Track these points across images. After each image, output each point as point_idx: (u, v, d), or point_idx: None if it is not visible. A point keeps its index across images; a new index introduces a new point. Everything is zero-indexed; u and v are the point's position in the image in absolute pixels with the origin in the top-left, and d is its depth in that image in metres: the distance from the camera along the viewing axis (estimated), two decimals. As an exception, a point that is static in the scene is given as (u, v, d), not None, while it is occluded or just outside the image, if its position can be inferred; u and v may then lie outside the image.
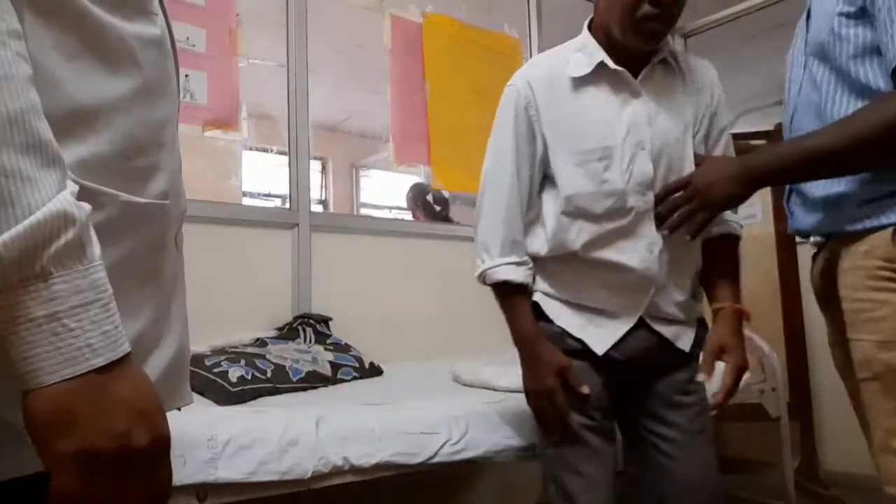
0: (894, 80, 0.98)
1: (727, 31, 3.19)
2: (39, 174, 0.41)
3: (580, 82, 1.22)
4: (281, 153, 2.27)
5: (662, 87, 1.22)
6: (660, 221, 1.18)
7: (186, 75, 1.95)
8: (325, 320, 1.99)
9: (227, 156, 2.25)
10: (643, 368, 1.24)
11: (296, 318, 1.96)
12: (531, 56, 2.85)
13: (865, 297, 1.04)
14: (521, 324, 1.25)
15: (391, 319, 2.24)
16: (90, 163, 0.50)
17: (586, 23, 1.28)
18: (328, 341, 1.89)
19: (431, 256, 2.43)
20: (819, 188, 1.12)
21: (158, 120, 0.58)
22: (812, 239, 1.24)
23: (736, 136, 1.44)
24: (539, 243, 1.27)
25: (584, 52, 1.23)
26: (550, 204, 1.25)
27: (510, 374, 1.61)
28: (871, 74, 1.03)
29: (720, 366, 1.23)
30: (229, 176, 2.32)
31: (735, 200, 1.15)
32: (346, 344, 1.90)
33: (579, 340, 1.23)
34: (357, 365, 1.79)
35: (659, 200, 1.18)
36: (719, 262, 1.29)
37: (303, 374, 1.62)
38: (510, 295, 1.26)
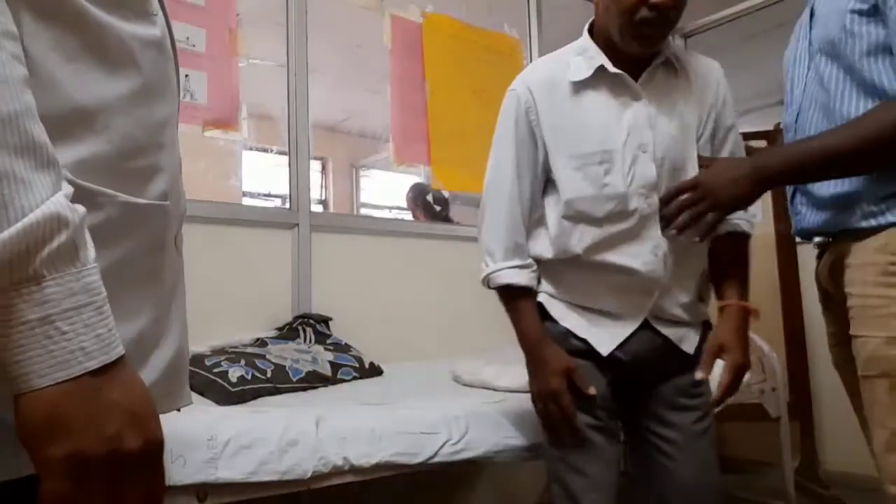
0: None
1: (727, 31, 3.19)
2: (33, 176, 0.41)
3: (580, 86, 1.22)
4: (281, 153, 2.27)
5: (664, 90, 1.21)
6: (667, 223, 1.17)
7: (186, 75, 1.95)
8: (325, 320, 1.99)
9: (227, 156, 2.25)
10: (647, 370, 1.24)
11: (296, 318, 1.96)
12: (531, 56, 2.85)
13: (876, 293, 1.04)
14: (525, 326, 1.25)
15: (391, 319, 2.24)
16: (89, 163, 0.50)
17: (587, 26, 1.27)
18: (328, 341, 1.89)
19: (431, 256, 2.43)
20: (828, 187, 1.11)
21: (158, 120, 0.57)
22: (815, 239, 1.24)
23: (736, 136, 1.44)
24: (543, 246, 1.27)
25: (585, 55, 1.23)
26: (552, 208, 1.25)
27: (510, 374, 1.61)
28: (883, 73, 1.02)
29: (721, 364, 1.23)
30: (229, 176, 2.32)
31: (744, 201, 1.14)
32: (346, 344, 1.90)
33: (584, 340, 1.23)
34: (357, 365, 1.80)
35: (666, 202, 1.17)
36: (727, 259, 1.28)
37: (303, 374, 1.63)
38: (514, 298, 1.27)
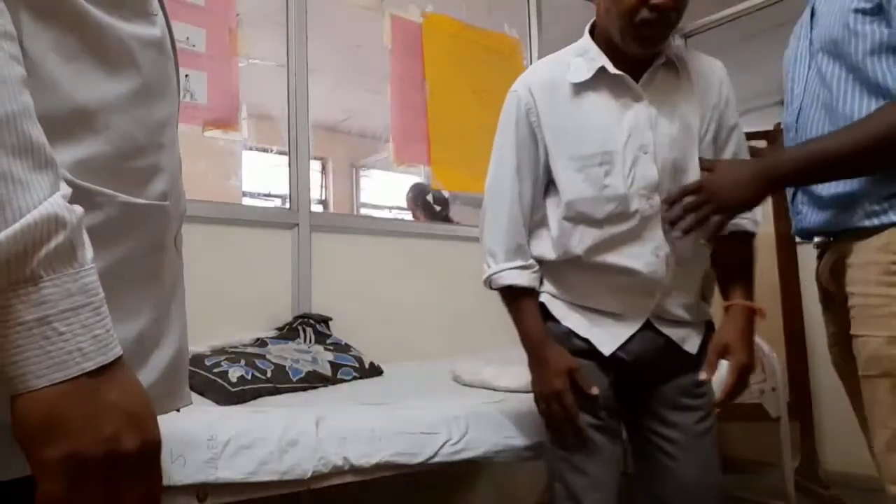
0: None
1: (727, 31, 3.19)
2: (31, 177, 0.41)
3: (580, 88, 1.22)
4: (281, 153, 2.27)
5: (665, 90, 1.21)
6: (671, 225, 1.16)
7: (186, 75, 1.95)
8: (325, 320, 1.99)
9: (227, 156, 2.25)
10: (649, 370, 1.24)
11: (296, 318, 1.96)
12: (531, 56, 2.85)
13: (877, 292, 1.04)
14: (528, 326, 1.25)
15: (391, 319, 2.24)
16: (89, 163, 0.50)
17: (588, 27, 1.27)
18: (328, 341, 1.89)
19: (431, 256, 2.43)
20: (830, 186, 1.11)
21: (158, 120, 0.57)
22: (816, 239, 1.24)
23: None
24: (545, 247, 1.27)
25: (585, 56, 1.23)
26: (553, 209, 1.26)
27: (510, 374, 1.61)
28: (887, 72, 1.02)
29: (725, 364, 1.22)
30: (229, 176, 2.32)
31: (750, 204, 1.14)
32: (346, 344, 1.90)
33: (586, 340, 1.23)
34: (357, 365, 1.79)
35: (670, 205, 1.16)
36: (732, 259, 1.28)
37: (303, 374, 1.62)
38: (516, 298, 1.27)
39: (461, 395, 1.56)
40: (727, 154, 1.27)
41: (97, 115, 0.51)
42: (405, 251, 2.38)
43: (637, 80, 1.19)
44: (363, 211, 5.47)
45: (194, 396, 1.19)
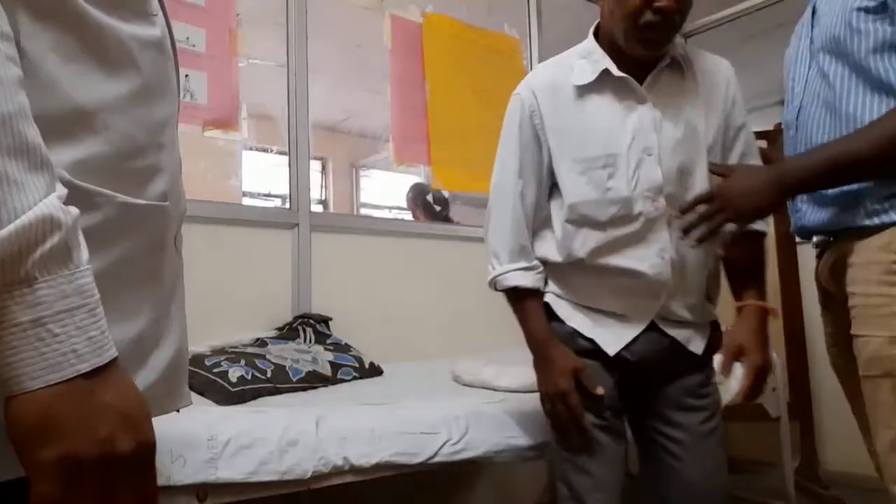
0: None
1: (727, 31, 3.19)
2: (26, 178, 0.41)
3: (584, 90, 1.21)
4: (281, 153, 2.27)
5: (670, 92, 1.20)
6: (686, 233, 1.15)
7: (186, 75, 1.95)
8: (325, 320, 1.99)
9: (227, 156, 2.25)
10: (655, 370, 1.23)
11: (296, 318, 1.96)
12: (531, 56, 2.85)
13: (878, 292, 1.04)
14: (533, 326, 1.25)
15: (391, 319, 2.24)
16: (88, 163, 0.50)
17: (592, 28, 1.27)
18: (328, 341, 1.89)
19: (431, 256, 2.43)
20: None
21: (158, 121, 0.57)
22: (815, 238, 1.24)
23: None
24: (550, 248, 1.27)
25: (589, 58, 1.22)
26: (556, 212, 1.26)
27: (510, 374, 1.61)
28: (891, 70, 1.02)
29: (737, 366, 1.21)
30: (229, 176, 2.32)
31: (765, 211, 1.13)
32: (346, 344, 1.90)
33: (590, 340, 1.23)
34: (357, 365, 1.79)
35: (683, 212, 1.15)
36: (743, 259, 1.27)
37: (303, 374, 1.62)
38: (521, 299, 1.27)
39: (461, 395, 1.56)
40: (735, 154, 1.26)
41: (96, 116, 0.51)
42: (405, 251, 2.38)
43: (641, 81, 1.19)
44: (363, 211, 5.46)
45: (194, 396, 1.18)
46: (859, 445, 1.22)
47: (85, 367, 0.41)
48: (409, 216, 3.59)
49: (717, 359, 1.28)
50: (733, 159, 1.26)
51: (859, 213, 1.07)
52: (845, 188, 1.09)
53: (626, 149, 1.17)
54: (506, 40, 2.81)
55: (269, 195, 4.12)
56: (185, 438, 1.07)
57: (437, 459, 1.29)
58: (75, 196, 0.47)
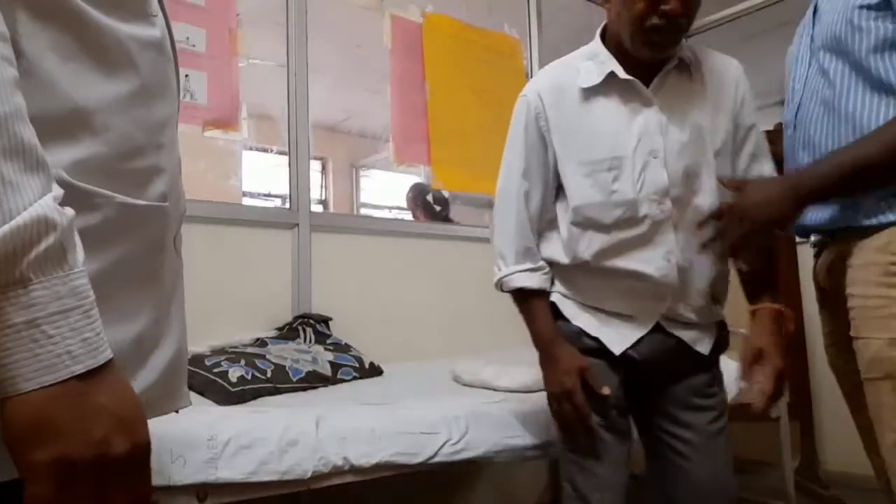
0: None
1: (727, 31, 3.19)
2: (21, 179, 0.40)
3: (590, 92, 1.21)
4: (281, 153, 2.27)
5: (677, 94, 1.20)
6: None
7: (186, 75, 1.95)
8: (325, 320, 1.99)
9: (227, 156, 2.25)
10: (661, 370, 1.23)
11: (296, 318, 1.96)
12: (531, 56, 2.85)
13: (877, 293, 1.03)
14: (539, 326, 1.25)
15: (391, 319, 2.24)
16: (87, 164, 0.50)
17: (599, 30, 1.26)
18: (328, 341, 1.89)
19: (431, 256, 2.44)
20: None
21: (157, 121, 0.57)
22: (812, 238, 1.24)
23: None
24: (556, 249, 1.27)
25: (595, 60, 1.22)
26: (562, 214, 1.26)
27: (510, 374, 1.61)
28: (891, 69, 1.02)
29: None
30: (229, 176, 2.32)
31: (782, 221, 1.12)
32: (346, 344, 1.90)
33: (596, 339, 1.23)
34: (357, 365, 1.79)
35: (700, 227, 1.15)
36: (756, 262, 1.25)
37: (303, 374, 1.62)
38: (527, 300, 1.27)
39: (461, 395, 1.56)
40: (745, 154, 1.24)
41: (95, 116, 0.50)
42: (405, 251, 2.38)
43: (648, 84, 1.18)
44: (363, 211, 5.47)
45: (194, 396, 1.18)
46: (859, 445, 1.22)
47: (79, 369, 0.41)
48: (409, 216, 3.59)
49: (726, 362, 1.27)
50: (743, 160, 1.24)
51: (857, 212, 1.07)
52: None
53: (631, 151, 1.17)
54: (506, 40, 2.81)
55: (269, 195, 4.12)
56: (185, 438, 1.07)
57: (437, 459, 1.29)
58: (74, 196, 0.47)
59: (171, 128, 0.61)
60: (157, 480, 1.02)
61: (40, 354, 0.40)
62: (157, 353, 0.58)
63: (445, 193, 3.05)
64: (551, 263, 1.28)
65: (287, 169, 2.17)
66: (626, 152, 1.17)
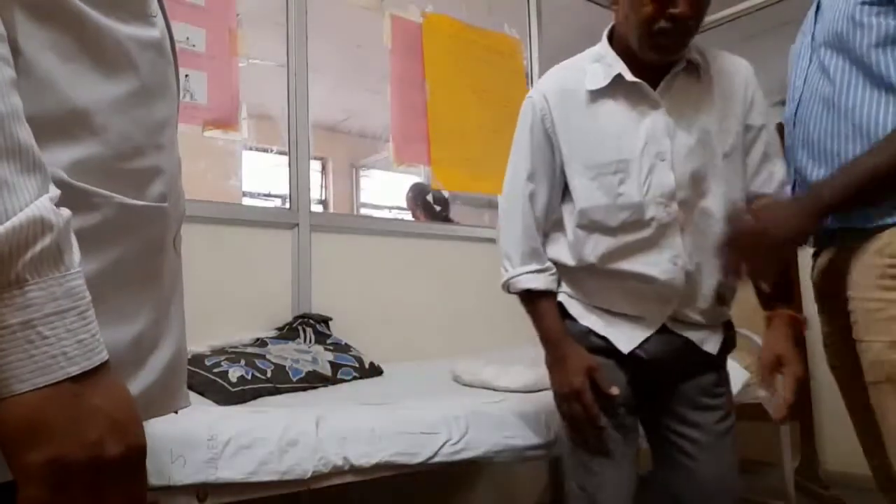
0: None
1: (727, 31, 3.19)
2: (18, 179, 0.40)
3: (597, 95, 1.20)
4: (281, 153, 2.27)
5: (684, 97, 1.19)
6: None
7: (186, 75, 1.95)
8: (325, 320, 1.99)
9: (227, 156, 2.25)
10: (668, 369, 1.23)
11: (296, 318, 1.96)
12: (531, 56, 2.84)
13: (876, 296, 1.03)
14: (547, 326, 1.25)
15: (391, 319, 2.24)
16: (86, 164, 0.50)
17: (606, 32, 1.26)
18: (328, 341, 1.89)
19: (431, 256, 2.44)
20: None
21: (157, 122, 0.57)
22: (811, 238, 1.24)
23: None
24: (562, 251, 1.27)
25: (602, 62, 1.21)
26: (568, 217, 1.26)
27: (510, 374, 1.61)
28: (892, 65, 1.02)
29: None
30: (229, 176, 2.32)
31: (800, 236, 1.11)
32: (346, 344, 1.90)
33: (604, 338, 1.23)
34: (357, 365, 1.79)
35: (721, 249, 1.15)
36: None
37: (303, 374, 1.62)
38: (534, 300, 1.27)
39: (461, 395, 1.55)
40: (755, 154, 1.23)
41: (95, 116, 0.50)
42: (405, 251, 2.38)
43: (655, 86, 1.17)
44: (363, 211, 5.47)
45: (194, 396, 1.18)
46: (859, 445, 1.22)
47: (74, 370, 0.41)
48: (409, 216, 3.59)
49: (734, 363, 1.27)
50: (753, 160, 1.23)
51: (856, 214, 1.07)
52: None
53: (638, 154, 1.16)
54: (506, 40, 2.81)
55: (269, 195, 4.12)
56: (185, 438, 1.07)
57: (437, 459, 1.29)
58: (73, 197, 0.47)
59: (171, 128, 0.61)
60: (157, 480, 1.02)
61: (35, 355, 0.40)
62: (156, 354, 0.58)
63: (445, 193, 3.05)
64: (557, 265, 1.28)
65: (287, 169, 2.17)
66: (633, 155, 1.17)
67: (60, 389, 0.41)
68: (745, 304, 1.32)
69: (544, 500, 2.41)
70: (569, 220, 1.25)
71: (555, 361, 1.23)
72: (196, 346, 1.61)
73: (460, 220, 2.99)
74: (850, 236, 1.09)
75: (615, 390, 1.17)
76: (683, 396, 1.24)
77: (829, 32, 1.11)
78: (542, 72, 2.74)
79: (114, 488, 0.43)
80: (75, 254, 0.43)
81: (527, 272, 1.26)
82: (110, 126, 0.52)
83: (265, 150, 3.33)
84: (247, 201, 3.34)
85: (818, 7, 1.19)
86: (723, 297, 1.24)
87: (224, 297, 1.90)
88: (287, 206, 2.16)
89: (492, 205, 2.94)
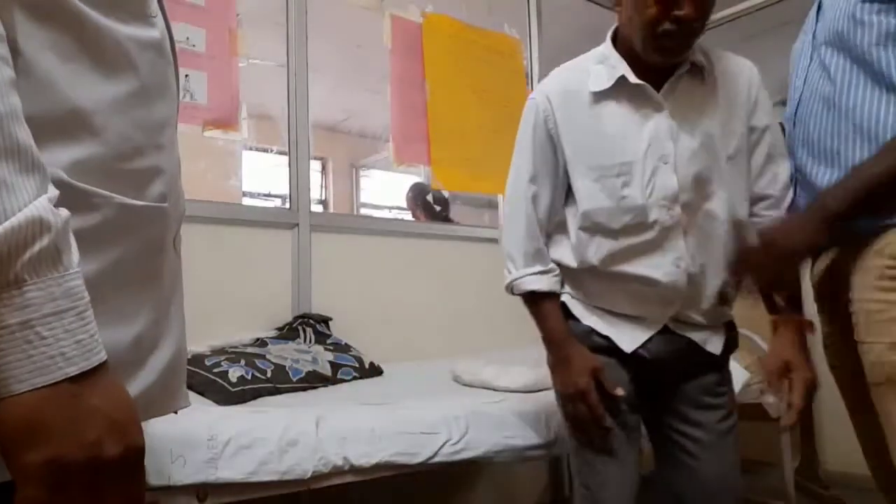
0: None
1: (727, 31, 3.19)
2: (16, 180, 0.40)
3: (600, 96, 1.20)
4: (281, 153, 2.27)
5: (688, 99, 1.18)
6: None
7: (186, 75, 1.95)
8: (325, 320, 1.99)
9: (227, 156, 2.25)
10: (672, 369, 1.23)
11: (296, 318, 1.96)
12: (531, 56, 2.85)
13: (876, 297, 1.03)
14: (551, 326, 1.25)
15: (391, 319, 2.24)
16: (85, 164, 0.49)
17: (610, 33, 1.25)
18: (328, 341, 1.89)
19: (431, 256, 2.44)
20: (831, 183, 1.10)
21: (157, 122, 0.57)
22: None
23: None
24: (564, 252, 1.27)
25: (606, 64, 1.21)
26: (571, 219, 1.25)
27: (510, 374, 1.61)
28: (892, 62, 1.01)
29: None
30: (229, 176, 2.32)
31: (810, 247, 1.10)
32: (346, 344, 1.90)
33: (606, 338, 1.23)
34: (357, 365, 1.79)
35: (732, 267, 1.15)
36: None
37: (303, 374, 1.62)
38: (538, 302, 1.27)
39: (461, 395, 1.56)
40: (759, 155, 1.22)
41: (94, 116, 0.50)
42: (405, 251, 2.38)
43: (659, 88, 1.16)
44: (363, 211, 5.47)
45: (194, 396, 1.18)
46: (859, 445, 1.22)
47: (73, 371, 0.41)
48: (409, 216, 3.59)
49: (734, 363, 1.27)
50: (757, 161, 1.22)
51: None
52: None
53: (641, 156, 1.16)
54: (506, 40, 2.81)
55: (269, 195, 4.12)
56: (185, 438, 1.07)
57: (437, 459, 1.29)
58: (73, 197, 0.47)
59: (171, 128, 0.61)
60: (156, 480, 1.02)
61: (34, 356, 0.40)
62: (156, 354, 0.58)
63: (445, 193, 3.05)
64: (560, 266, 1.28)
65: (287, 169, 2.17)
66: (636, 157, 1.16)
67: (59, 390, 0.41)
68: (746, 304, 1.32)
69: (544, 500, 2.42)
70: (572, 223, 1.25)
71: (559, 362, 1.23)
72: (196, 346, 1.61)
73: (460, 220, 2.99)
74: (848, 237, 1.08)
75: (620, 391, 1.17)
76: (686, 396, 1.24)
77: (829, 31, 1.11)
78: (542, 72, 2.74)
79: (112, 488, 0.43)
80: (74, 254, 0.43)
81: (530, 274, 1.26)
82: (110, 126, 0.52)
83: (265, 150, 3.33)
84: (247, 201, 3.34)
85: (819, 6, 1.18)
86: (724, 297, 1.24)
87: (224, 297, 1.90)
88: (287, 206, 2.16)
89: (492, 205, 2.95)
